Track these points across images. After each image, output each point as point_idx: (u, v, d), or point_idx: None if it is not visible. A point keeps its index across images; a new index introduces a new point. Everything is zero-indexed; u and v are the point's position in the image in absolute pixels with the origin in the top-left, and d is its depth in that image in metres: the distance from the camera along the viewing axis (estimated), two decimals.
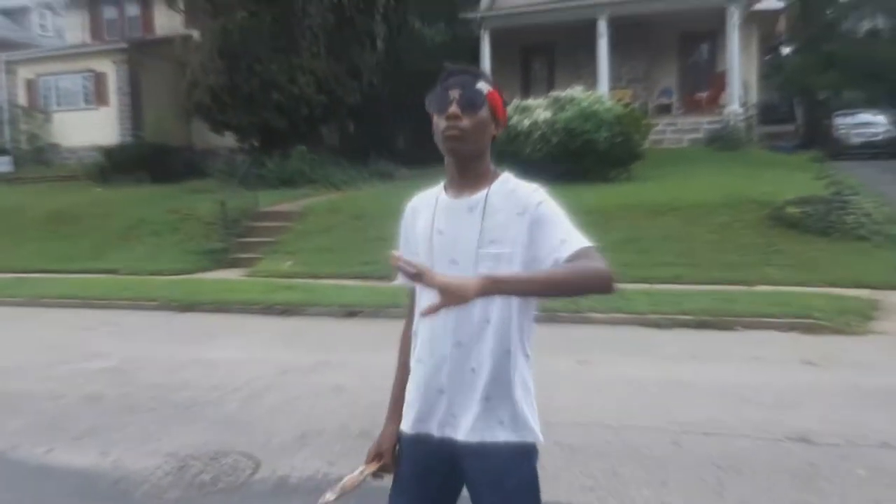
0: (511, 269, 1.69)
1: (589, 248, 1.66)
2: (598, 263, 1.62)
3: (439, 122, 1.76)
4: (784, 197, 10.92)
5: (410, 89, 21.74)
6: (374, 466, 1.87)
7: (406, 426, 1.84)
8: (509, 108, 14.13)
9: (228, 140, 20.15)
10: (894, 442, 3.95)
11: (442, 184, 1.88)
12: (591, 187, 12.41)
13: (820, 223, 10.14)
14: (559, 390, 5.08)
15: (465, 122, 1.73)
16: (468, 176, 1.80)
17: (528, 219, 1.71)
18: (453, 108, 1.73)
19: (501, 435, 1.73)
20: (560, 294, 1.66)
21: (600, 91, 16.72)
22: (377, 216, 12.98)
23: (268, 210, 13.74)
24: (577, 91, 14.33)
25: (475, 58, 19.86)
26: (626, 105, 14.74)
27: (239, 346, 6.98)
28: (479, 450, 1.73)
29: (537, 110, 13.72)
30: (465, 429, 1.73)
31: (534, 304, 1.82)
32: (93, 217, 14.68)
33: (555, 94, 14.63)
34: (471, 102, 1.74)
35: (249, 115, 17.50)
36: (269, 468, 3.86)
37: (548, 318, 7.69)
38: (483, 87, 1.76)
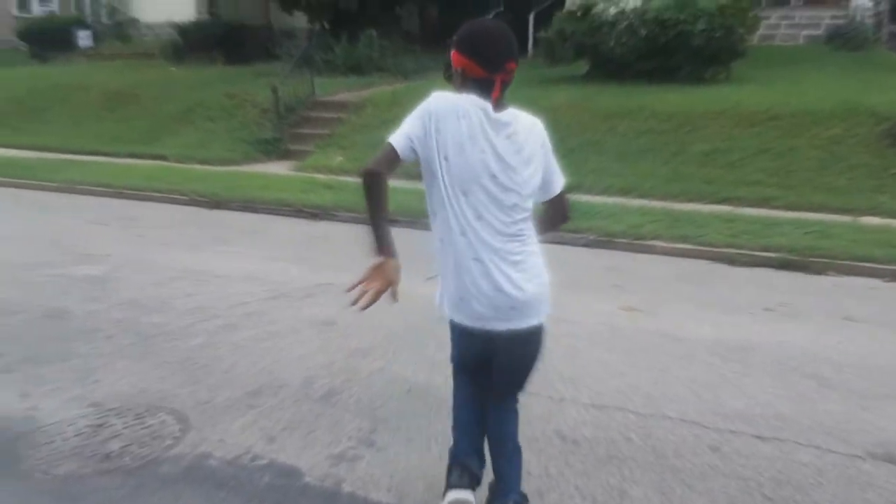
0: None
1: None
2: None
3: None
4: None
5: None
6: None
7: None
8: None
9: (304, 21, 19.09)
10: None
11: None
12: (679, 88, 10.85)
13: None
14: (587, 350, 4.13)
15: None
16: None
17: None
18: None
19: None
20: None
21: None
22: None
23: (325, 99, 12.81)
24: None
25: None
26: None
27: (246, 256, 6.28)
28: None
29: None
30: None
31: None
32: (152, 99, 14.13)
33: None
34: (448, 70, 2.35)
35: None
36: (196, 438, 3.13)
37: (604, 243, 6.67)
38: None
